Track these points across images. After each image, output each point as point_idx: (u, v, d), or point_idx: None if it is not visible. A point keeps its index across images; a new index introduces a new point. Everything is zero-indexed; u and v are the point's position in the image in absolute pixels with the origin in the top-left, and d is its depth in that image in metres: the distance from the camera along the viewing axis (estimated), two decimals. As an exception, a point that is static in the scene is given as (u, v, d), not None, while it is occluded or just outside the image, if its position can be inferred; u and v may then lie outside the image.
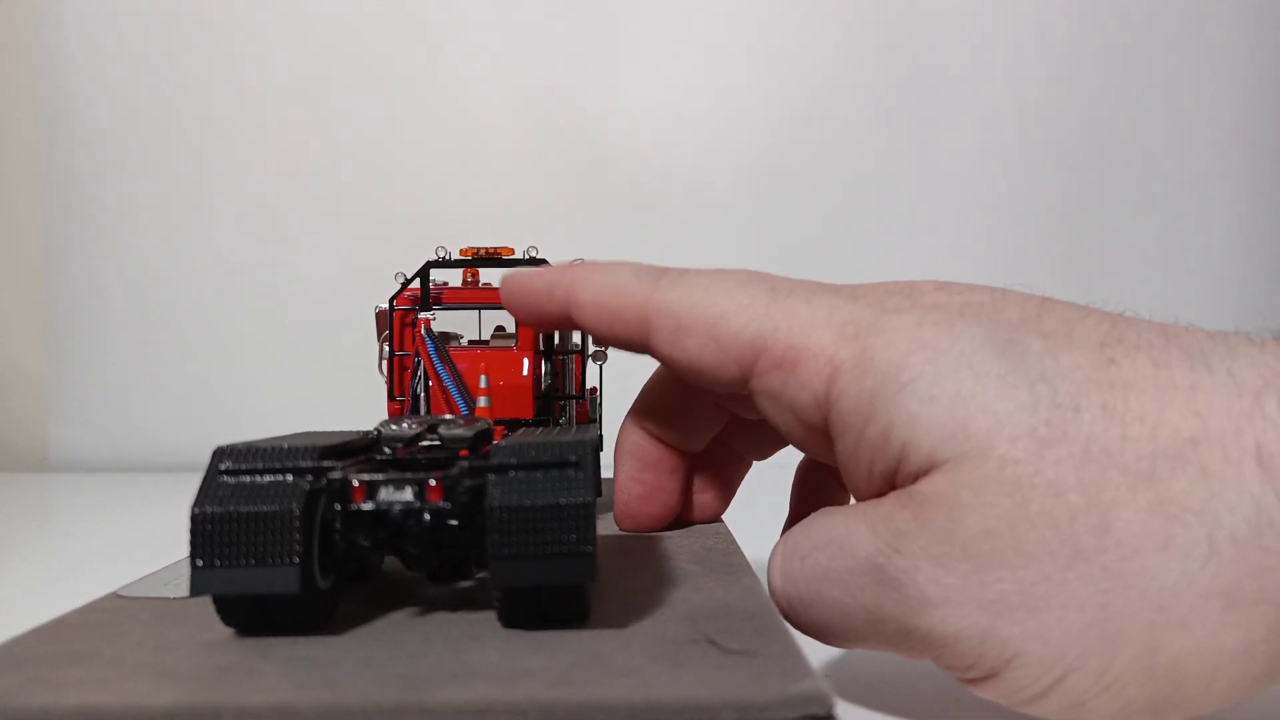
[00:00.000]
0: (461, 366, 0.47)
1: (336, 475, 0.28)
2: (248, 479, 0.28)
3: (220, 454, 0.29)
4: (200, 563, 0.27)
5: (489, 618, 0.29)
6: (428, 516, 0.28)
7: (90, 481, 1.33)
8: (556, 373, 0.49)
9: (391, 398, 0.48)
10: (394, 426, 0.32)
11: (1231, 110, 1.24)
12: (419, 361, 0.46)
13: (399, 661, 0.25)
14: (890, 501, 0.28)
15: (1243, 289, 1.23)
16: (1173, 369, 0.25)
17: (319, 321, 1.42)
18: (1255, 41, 1.23)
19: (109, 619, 0.31)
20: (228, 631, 0.29)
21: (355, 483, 0.28)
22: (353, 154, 1.43)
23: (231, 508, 0.27)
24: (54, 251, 1.51)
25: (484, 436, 0.33)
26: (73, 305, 1.50)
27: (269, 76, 1.44)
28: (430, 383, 0.45)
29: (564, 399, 0.49)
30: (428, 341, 0.46)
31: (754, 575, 0.33)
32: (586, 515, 0.26)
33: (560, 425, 0.47)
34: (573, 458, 0.28)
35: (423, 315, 0.48)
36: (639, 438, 0.41)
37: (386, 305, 0.51)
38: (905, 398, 0.27)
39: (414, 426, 0.32)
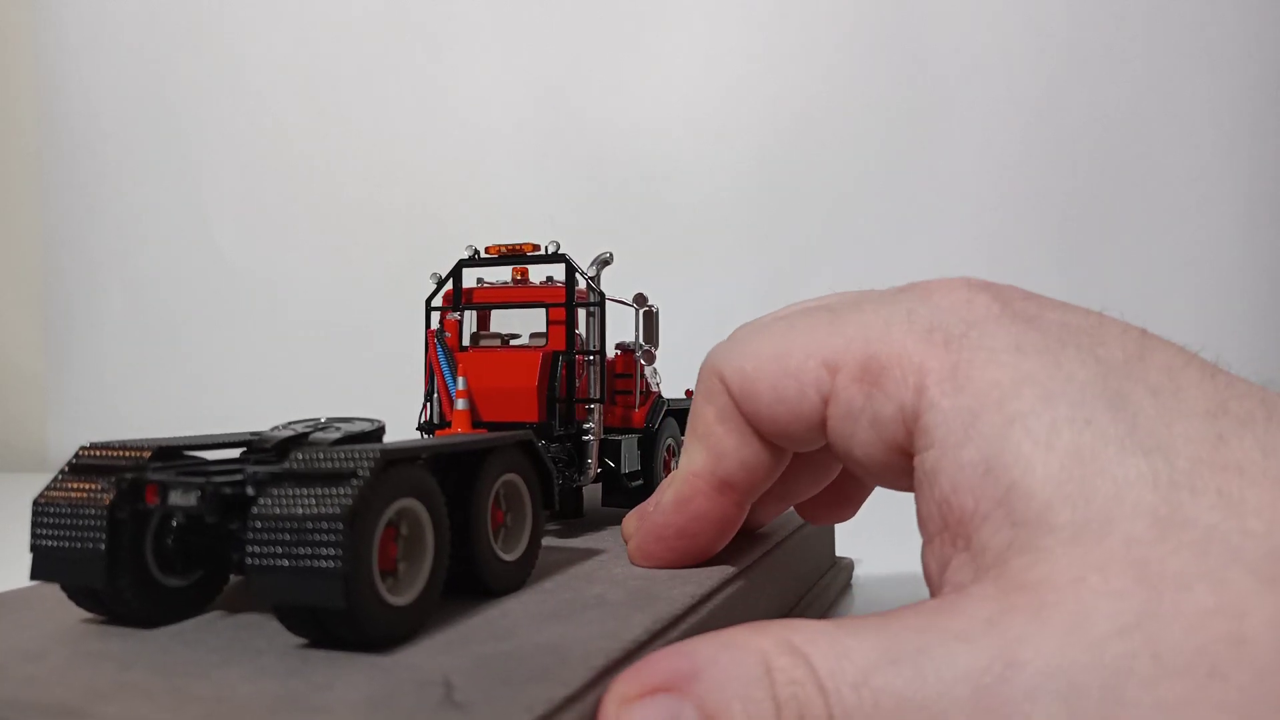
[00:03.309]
0: (477, 368, 0.47)
1: (129, 477, 0.29)
2: (82, 476, 0.29)
3: (80, 448, 0.30)
4: (34, 551, 0.29)
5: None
6: (208, 520, 0.28)
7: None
8: (579, 375, 0.48)
9: (426, 398, 0.49)
10: (278, 429, 0.33)
11: (1231, 110, 1.24)
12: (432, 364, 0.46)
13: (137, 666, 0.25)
14: (986, 598, 0.23)
15: (1243, 288, 1.23)
16: None
17: (318, 321, 1.42)
18: (1255, 41, 1.23)
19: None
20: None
21: (148, 485, 0.29)
22: (353, 155, 1.43)
23: (59, 500, 0.29)
24: (53, 252, 1.51)
25: (356, 439, 0.33)
26: (72, 306, 1.50)
27: (269, 77, 1.44)
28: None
29: (588, 402, 0.48)
30: (438, 346, 0.46)
31: (662, 611, 0.31)
32: (338, 529, 0.24)
33: (559, 429, 0.46)
34: (349, 468, 0.26)
35: (450, 317, 0.49)
36: (692, 489, 0.36)
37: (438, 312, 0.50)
38: (1017, 434, 0.25)
39: (295, 429, 0.33)
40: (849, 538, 0.59)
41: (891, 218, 1.30)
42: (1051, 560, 0.23)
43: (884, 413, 0.28)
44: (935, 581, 0.27)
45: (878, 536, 0.58)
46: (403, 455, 0.28)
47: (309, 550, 0.24)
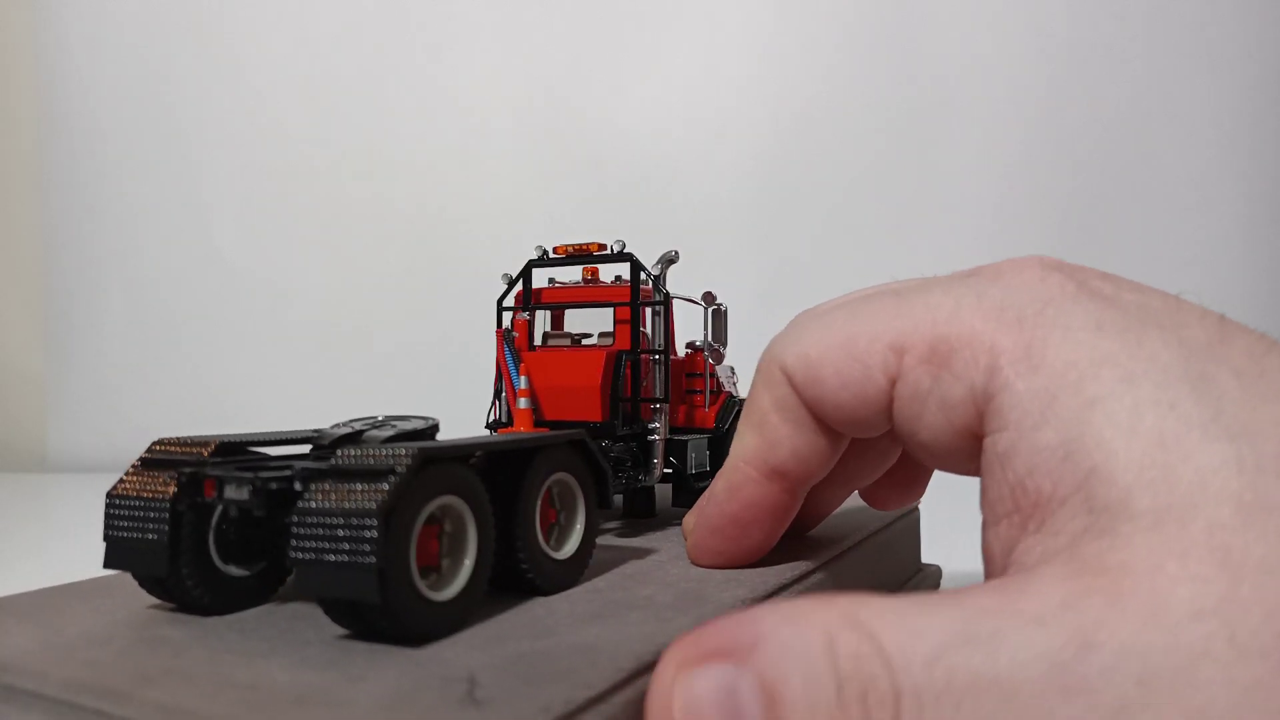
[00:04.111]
0: (543, 367, 0.47)
1: (189, 471, 0.30)
2: (150, 469, 0.31)
3: (152, 444, 0.32)
4: (107, 541, 0.30)
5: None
6: (256, 513, 0.29)
7: (88, 481, 1.32)
8: (645, 375, 0.48)
9: (495, 396, 0.49)
10: (338, 426, 0.33)
11: (1231, 110, 1.24)
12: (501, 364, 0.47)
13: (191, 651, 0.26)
14: (1061, 580, 0.23)
15: (1243, 288, 1.23)
16: None
17: (318, 321, 1.42)
18: (1255, 41, 1.23)
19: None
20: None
21: (205, 479, 0.30)
22: (353, 154, 1.43)
23: (128, 493, 0.30)
24: (53, 251, 1.51)
25: (410, 437, 0.33)
26: (71, 306, 1.50)
27: (269, 77, 1.44)
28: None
29: (653, 401, 0.47)
30: (505, 346, 0.46)
31: (708, 614, 0.31)
32: (373, 524, 0.25)
33: (622, 429, 0.46)
34: (387, 465, 0.26)
35: (520, 317, 0.49)
36: (743, 476, 0.36)
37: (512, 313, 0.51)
38: (1098, 419, 0.24)
39: (353, 426, 0.33)
40: (932, 544, 0.57)
41: (891, 217, 1.30)
42: (1130, 546, 0.23)
43: (953, 395, 0.27)
44: (998, 563, 0.27)
45: (966, 541, 0.57)
46: (442, 453, 0.28)
47: (346, 545, 0.25)
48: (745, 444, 0.35)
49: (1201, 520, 0.22)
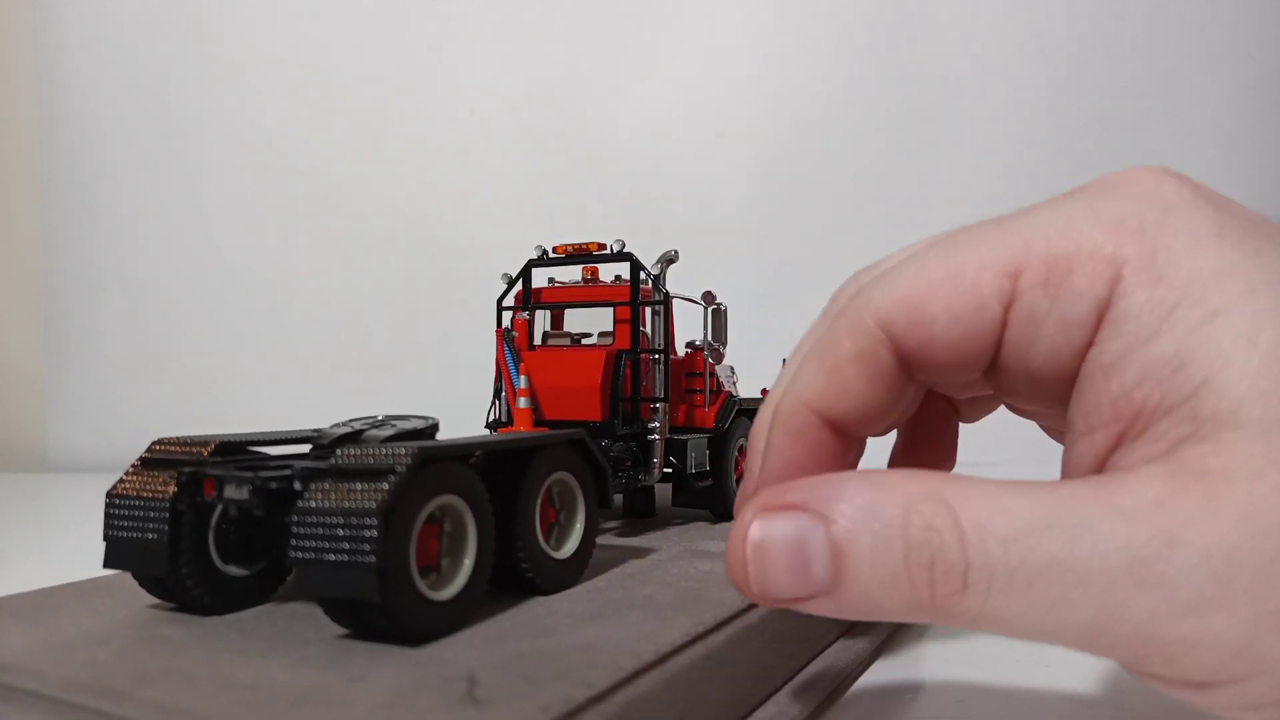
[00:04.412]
0: (543, 367, 0.47)
1: (189, 471, 0.30)
2: (150, 469, 0.31)
3: (151, 443, 0.32)
4: (107, 541, 0.30)
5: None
6: (255, 513, 0.29)
7: (88, 481, 1.32)
8: (644, 374, 0.48)
9: (495, 396, 0.49)
10: (338, 426, 0.33)
11: (1231, 110, 1.24)
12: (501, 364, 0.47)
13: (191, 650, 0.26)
14: (1156, 479, 0.23)
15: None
16: None
17: (318, 321, 1.42)
18: (1255, 41, 1.23)
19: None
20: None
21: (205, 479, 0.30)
22: (352, 154, 1.43)
23: (128, 493, 0.30)
24: (53, 252, 1.51)
25: (410, 436, 0.33)
26: (71, 306, 1.50)
27: (269, 77, 1.44)
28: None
29: (653, 401, 0.47)
30: (505, 346, 0.46)
31: (707, 615, 0.31)
32: (372, 524, 0.25)
33: (622, 428, 0.46)
34: (387, 464, 0.26)
35: (520, 317, 0.49)
36: (805, 421, 0.32)
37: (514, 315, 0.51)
38: (1217, 330, 0.23)
39: (353, 426, 0.33)
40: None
41: (891, 217, 1.30)
42: (1233, 453, 0.22)
43: (1075, 313, 0.26)
44: (1087, 471, 0.26)
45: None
46: (442, 453, 0.28)
47: (346, 544, 0.25)
48: (810, 385, 0.31)
49: None
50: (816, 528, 0.24)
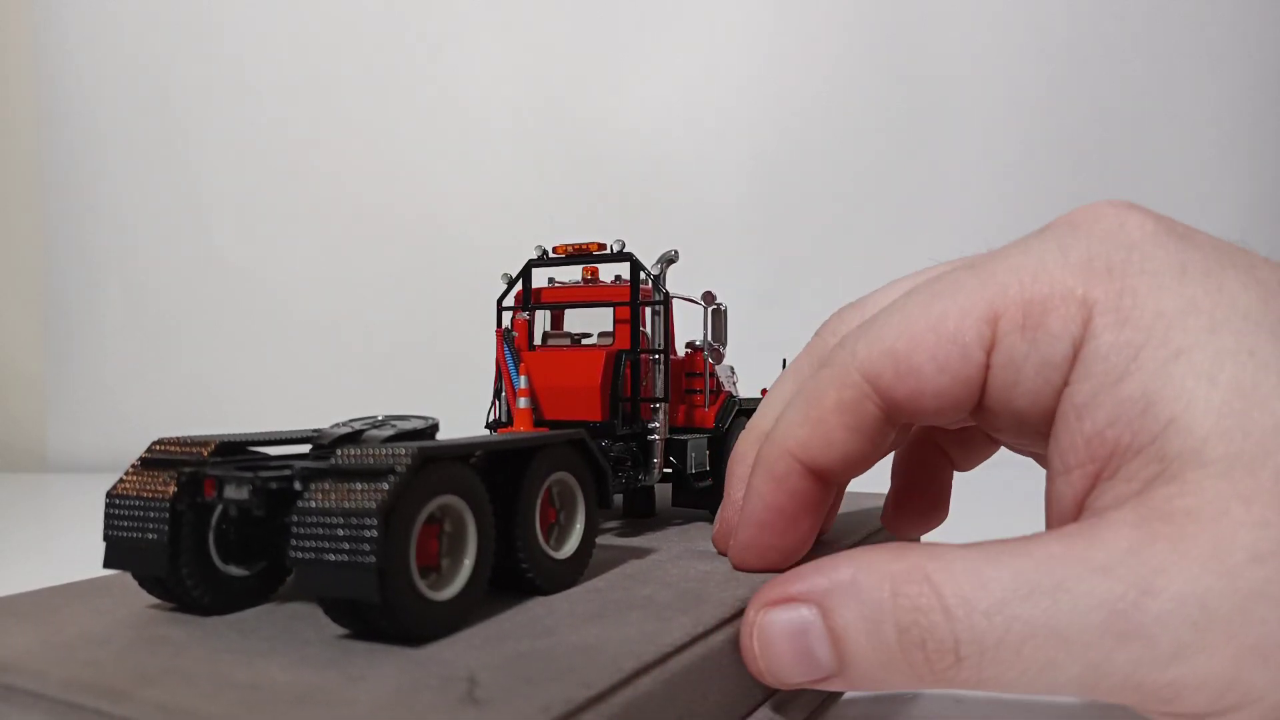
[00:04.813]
0: (543, 367, 0.47)
1: (189, 471, 0.30)
2: (150, 469, 0.31)
3: (152, 443, 0.32)
4: (107, 541, 0.30)
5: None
6: (255, 513, 0.29)
7: (88, 481, 1.32)
8: (644, 374, 0.48)
9: (495, 396, 0.49)
10: (338, 426, 0.33)
11: (1231, 110, 1.24)
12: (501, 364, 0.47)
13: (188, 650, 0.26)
14: (1127, 526, 0.23)
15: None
16: None
17: (317, 321, 1.42)
18: (1255, 41, 1.23)
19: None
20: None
21: (205, 479, 0.30)
22: (352, 155, 1.43)
23: (128, 493, 0.30)
24: (53, 252, 1.51)
25: (410, 436, 0.33)
26: (71, 306, 1.50)
27: (269, 77, 1.44)
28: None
29: (652, 401, 0.47)
30: (505, 346, 0.46)
31: (707, 614, 0.30)
32: (373, 524, 0.25)
33: (622, 428, 0.46)
34: (387, 464, 0.26)
35: (520, 317, 0.49)
36: (787, 468, 0.33)
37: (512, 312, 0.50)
38: (1180, 370, 0.24)
39: (353, 426, 0.33)
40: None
41: (891, 217, 1.30)
42: (1199, 492, 0.23)
43: (1054, 354, 0.27)
44: (1066, 511, 0.27)
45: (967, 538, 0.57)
46: (442, 453, 0.28)
47: (346, 544, 0.25)
48: (793, 434, 0.32)
49: (1271, 467, 0.22)
50: (815, 619, 0.26)
